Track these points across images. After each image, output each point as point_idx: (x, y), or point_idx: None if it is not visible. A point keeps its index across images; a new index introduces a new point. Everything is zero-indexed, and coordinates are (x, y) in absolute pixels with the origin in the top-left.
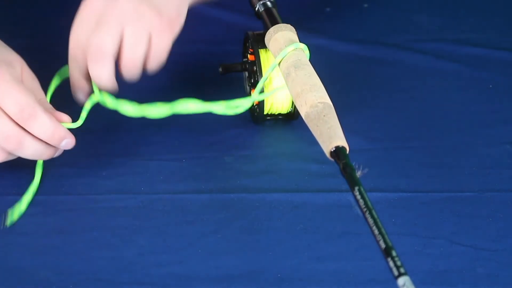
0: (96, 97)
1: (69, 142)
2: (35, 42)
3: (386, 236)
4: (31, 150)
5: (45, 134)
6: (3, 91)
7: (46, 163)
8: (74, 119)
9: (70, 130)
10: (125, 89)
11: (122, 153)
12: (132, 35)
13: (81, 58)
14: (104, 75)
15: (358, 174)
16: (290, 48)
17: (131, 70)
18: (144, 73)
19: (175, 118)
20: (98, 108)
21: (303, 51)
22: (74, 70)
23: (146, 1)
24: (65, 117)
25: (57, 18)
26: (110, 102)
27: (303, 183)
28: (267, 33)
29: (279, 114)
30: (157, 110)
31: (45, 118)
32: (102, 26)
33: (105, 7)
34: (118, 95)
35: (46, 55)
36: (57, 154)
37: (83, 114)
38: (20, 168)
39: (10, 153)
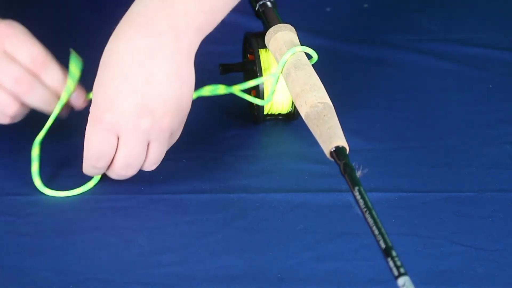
0: None
1: (80, 94)
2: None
3: (386, 236)
4: (41, 95)
5: (57, 82)
6: (16, 42)
7: (46, 163)
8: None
9: None
10: None
11: None
12: (156, 151)
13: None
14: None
15: (358, 174)
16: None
17: (127, 171)
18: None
19: None
20: None
21: (303, 52)
22: (98, 173)
23: (163, 112)
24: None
25: (57, 18)
26: None
27: (303, 183)
28: (267, 33)
29: (279, 114)
30: None
31: (56, 67)
32: (126, 148)
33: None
34: None
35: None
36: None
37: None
38: (20, 168)
39: (21, 102)
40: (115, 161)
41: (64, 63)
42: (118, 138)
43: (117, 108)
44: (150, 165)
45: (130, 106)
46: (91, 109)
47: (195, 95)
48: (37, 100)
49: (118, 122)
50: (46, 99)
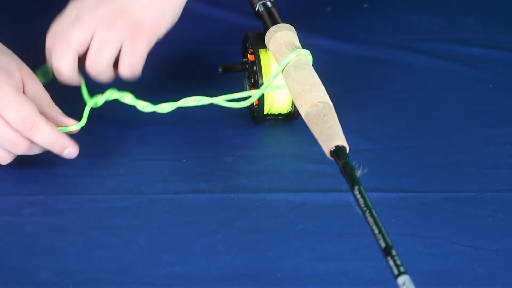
0: (114, 95)
1: (72, 151)
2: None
3: (386, 235)
4: (39, 150)
5: (47, 143)
6: (4, 104)
7: (46, 162)
8: (77, 118)
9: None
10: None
11: (122, 153)
12: (100, 39)
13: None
14: (63, 67)
15: (358, 173)
16: (293, 55)
17: (96, 72)
18: (119, 77)
19: (175, 118)
20: (98, 108)
21: (306, 56)
22: (49, 60)
23: (125, 11)
24: (70, 121)
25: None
26: (130, 100)
27: (303, 183)
28: (267, 33)
29: (279, 114)
30: (168, 105)
31: (46, 129)
32: (75, 23)
33: (85, 9)
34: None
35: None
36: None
37: (86, 113)
38: (20, 168)
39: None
40: (88, 52)
41: None
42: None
43: (98, 7)
44: (132, 69)
45: (106, 8)
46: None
47: (177, 104)
48: (29, 151)
49: (96, 18)
50: (43, 150)
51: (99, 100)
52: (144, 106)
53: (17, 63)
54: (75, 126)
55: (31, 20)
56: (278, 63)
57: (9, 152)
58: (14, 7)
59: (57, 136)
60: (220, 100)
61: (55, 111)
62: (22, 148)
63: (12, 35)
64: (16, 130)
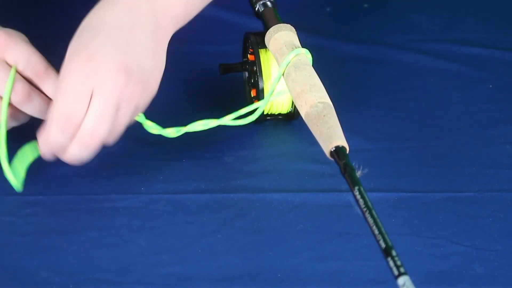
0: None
1: None
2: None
3: (386, 236)
4: (37, 105)
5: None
6: (17, 52)
7: (46, 162)
8: None
9: None
10: None
11: (122, 153)
12: (123, 119)
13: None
14: (85, 158)
15: (358, 174)
16: (291, 56)
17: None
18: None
19: (175, 119)
20: None
21: (305, 55)
22: (62, 141)
23: (138, 79)
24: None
25: (57, 18)
26: (156, 130)
27: (303, 183)
28: (267, 33)
29: (279, 114)
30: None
31: (56, 77)
32: (99, 104)
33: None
34: None
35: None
36: None
37: None
38: None
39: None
40: (84, 123)
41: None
42: (90, 96)
43: (98, 58)
44: (113, 136)
45: (110, 60)
46: (66, 62)
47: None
48: (34, 109)
49: (97, 70)
50: (43, 108)
51: None
52: (151, 127)
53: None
54: None
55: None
56: (278, 63)
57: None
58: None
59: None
60: (228, 120)
61: (53, 76)
62: (20, 95)
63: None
64: (23, 81)
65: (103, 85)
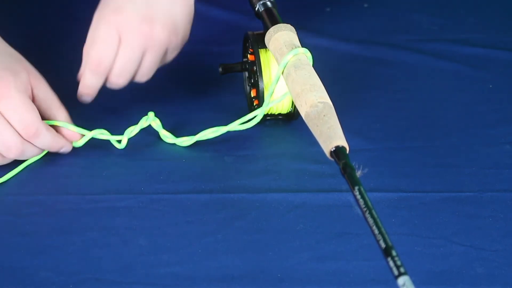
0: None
1: (66, 149)
2: (34, 42)
3: (386, 236)
4: (30, 155)
5: (45, 146)
6: (10, 107)
7: (46, 162)
8: (81, 119)
9: None
10: (125, 89)
11: (122, 153)
12: (150, 62)
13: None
14: (96, 88)
15: (358, 174)
16: (289, 56)
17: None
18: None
19: (175, 118)
20: (97, 108)
21: (305, 54)
22: (96, 82)
23: (164, 26)
24: (73, 135)
25: (57, 18)
26: (155, 125)
27: (303, 183)
28: (267, 33)
29: (279, 114)
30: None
31: (47, 136)
32: (125, 50)
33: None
34: (118, 94)
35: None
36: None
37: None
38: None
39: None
40: (114, 65)
41: (63, 62)
42: (118, 43)
43: (124, 11)
44: (142, 76)
45: (135, 11)
46: (97, 13)
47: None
48: (28, 155)
49: (123, 21)
50: (33, 155)
51: (134, 130)
52: (166, 136)
53: (25, 66)
54: (74, 143)
55: (31, 21)
56: (278, 63)
57: (1, 155)
58: (14, 8)
59: (56, 141)
60: (236, 125)
61: (62, 117)
62: (14, 153)
63: (13, 35)
64: (15, 134)
65: (128, 35)
